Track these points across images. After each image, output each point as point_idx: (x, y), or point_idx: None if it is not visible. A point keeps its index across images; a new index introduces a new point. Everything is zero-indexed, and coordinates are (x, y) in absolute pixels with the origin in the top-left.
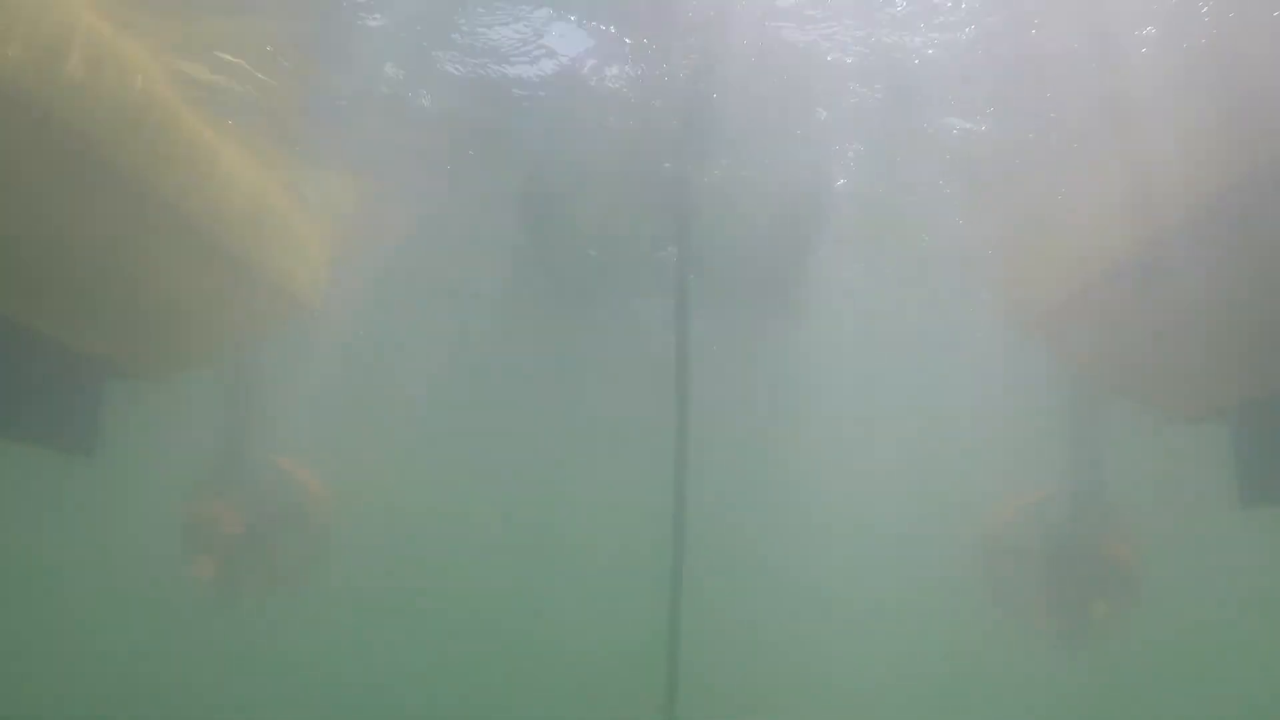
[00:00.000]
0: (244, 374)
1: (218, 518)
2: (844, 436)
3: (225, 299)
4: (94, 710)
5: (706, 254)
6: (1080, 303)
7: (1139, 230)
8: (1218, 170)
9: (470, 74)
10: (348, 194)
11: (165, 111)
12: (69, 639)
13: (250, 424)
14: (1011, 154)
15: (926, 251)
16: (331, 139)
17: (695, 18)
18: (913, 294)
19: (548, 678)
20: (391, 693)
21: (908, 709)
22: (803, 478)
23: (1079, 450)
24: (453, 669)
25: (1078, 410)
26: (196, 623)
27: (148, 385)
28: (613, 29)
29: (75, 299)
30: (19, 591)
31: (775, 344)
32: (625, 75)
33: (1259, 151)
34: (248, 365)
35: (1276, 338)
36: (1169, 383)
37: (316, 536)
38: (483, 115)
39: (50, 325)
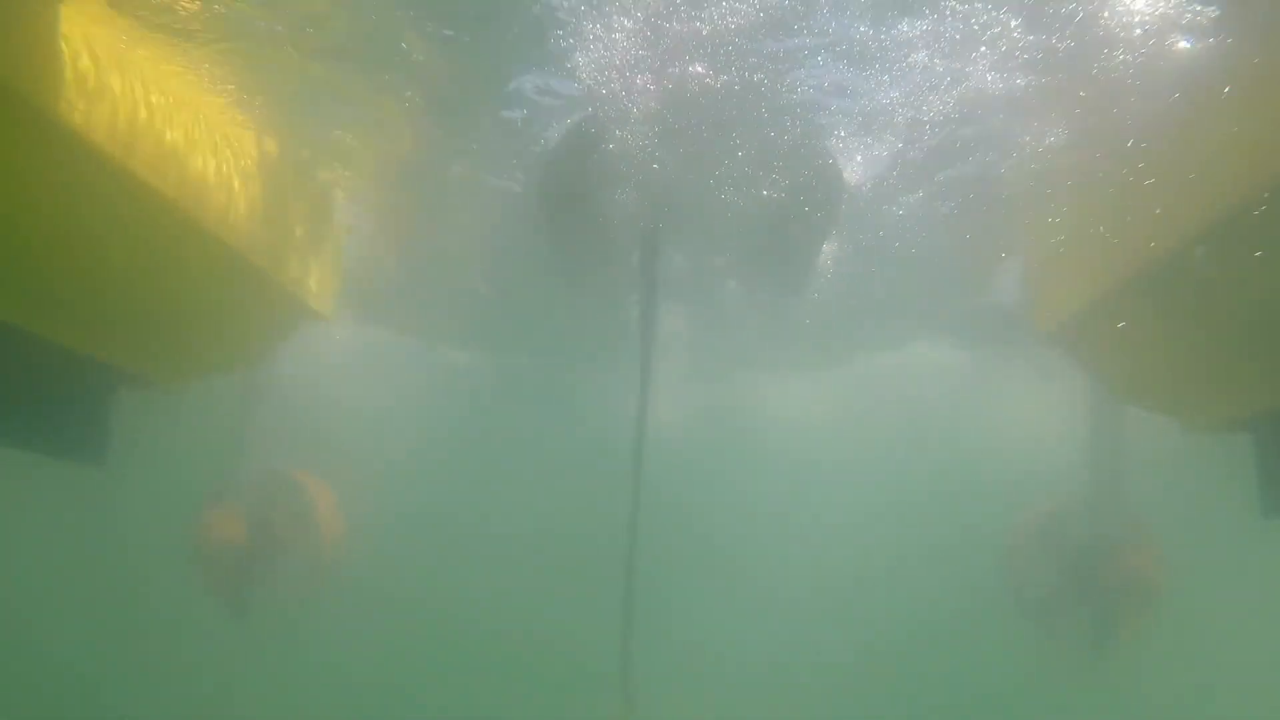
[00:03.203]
0: (256, 383)
1: (229, 528)
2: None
3: (236, 307)
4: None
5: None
6: (1103, 311)
7: (1162, 239)
8: (1241, 179)
9: None
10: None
11: (180, 123)
12: (77, 648)
13: (262, 434)
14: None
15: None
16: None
17: None
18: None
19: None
20: (401, 701)
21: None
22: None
23: (1100, 459)
24: (465, 675)
25: (1099, 419)
26: (205, 633)
27: (158, 394)
28: None
29: (85, 307)
30: (28, 600)
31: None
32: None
33: None
34: (259, 374)
35: None
36: (1191, 393)
37: (327, 548)
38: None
39: (60, 333)
